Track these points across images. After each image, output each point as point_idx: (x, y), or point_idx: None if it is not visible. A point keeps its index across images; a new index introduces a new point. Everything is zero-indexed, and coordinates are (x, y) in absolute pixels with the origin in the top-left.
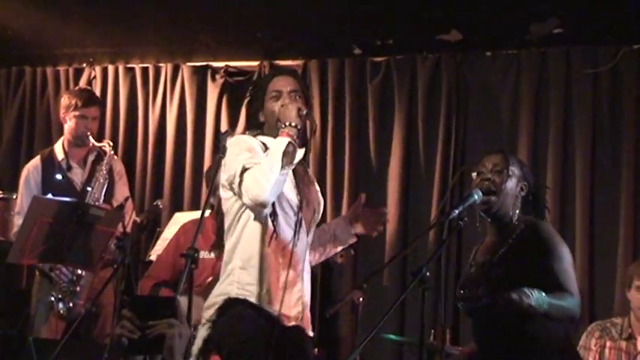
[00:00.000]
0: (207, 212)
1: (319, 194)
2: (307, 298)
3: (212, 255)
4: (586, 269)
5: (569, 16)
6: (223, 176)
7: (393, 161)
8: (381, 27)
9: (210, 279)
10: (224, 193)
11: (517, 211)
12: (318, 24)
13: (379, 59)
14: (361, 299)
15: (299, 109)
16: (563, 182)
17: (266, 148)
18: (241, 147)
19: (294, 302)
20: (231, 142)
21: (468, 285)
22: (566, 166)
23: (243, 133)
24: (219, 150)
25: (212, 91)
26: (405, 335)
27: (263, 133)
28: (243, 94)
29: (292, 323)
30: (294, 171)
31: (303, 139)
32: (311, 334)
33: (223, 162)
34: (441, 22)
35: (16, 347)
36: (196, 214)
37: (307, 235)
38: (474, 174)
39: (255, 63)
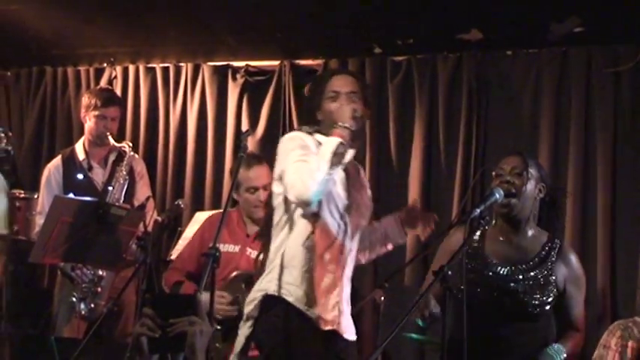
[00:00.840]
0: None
1: (369, 199)
2: (345, 304)
3: (237, 249)
4: (608, 268)
5: (590, 15)
6: (276, 170)
7: (413, 161)
8: (401, 26)
9: (234, 273)
10: (276, 188)
11: (535, 213)
12: (339, 23)
13: (400, 58)
14: (382, 298)
15: (354, 111)
16: (584, 181)
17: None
18: (295, 143)
19: (331, 306)
20: (286, 138)
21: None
22: (588, 165)
23: (299, 128)
24: (240, 149)
25: (233, 91)
26: (427, 334)
27: (320, 132)
28: (264, 93)
29: (328, 327)
30: (345, 173)
31: (358, 141)
32: (352, 337)
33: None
34: (462, 22)
35: (38, 347)
36: (218, 213)
37: (352, 241)
38: (493, 174)
39: (276, 62)
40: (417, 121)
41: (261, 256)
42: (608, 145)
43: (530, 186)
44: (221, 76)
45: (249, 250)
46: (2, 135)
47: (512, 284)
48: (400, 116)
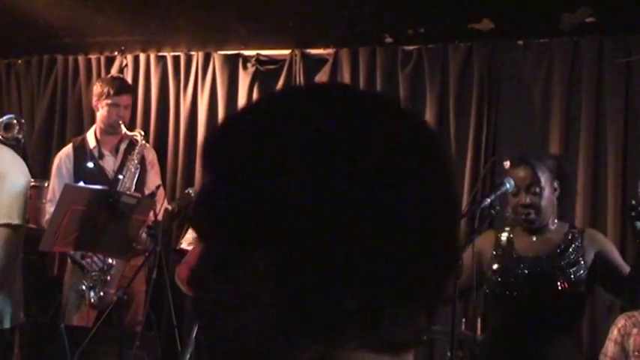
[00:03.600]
0: None
1: None
2: None
3: None
4: None
5: (601, 5)
6: None
7: None
8: (412, 16)
9: None
10: None
11: (554, 212)
12: (350, 12)
13: (410, 48)
14: None
15: None
16: (594, 172)
17: None
18: None
19: None
20: None
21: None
22: (598, 155)
23: None
24: None
25: (243, 80)
26: (437, 325)
27: None
28: (275, 82)
29: None
30: None
31: None
32: None
33: None
34: (473, 11)
35: (48, 335)
36: None
37: None
38: (509, 189)
39: (287, 52)
40: (427, 111)
41: None
42: (619, 134)
43: (546, 195)
44: (232, 64)
45: None
46: (15, 122)
47: (545, 276)
48: (411, 105)
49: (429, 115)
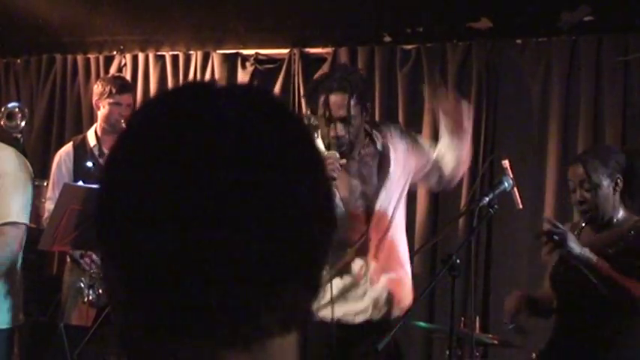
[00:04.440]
0: None
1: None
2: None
3: None
4: None
5: (600, 4)
6: None
7: None
8: (411, 14)
9: None
10: None
11: (620, 209)
12: (348, 11)
13: (409, 47)
14: None
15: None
16: None
17: None
18: None
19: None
20: None
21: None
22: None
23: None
24: None
25: (242, 79)
26: (435, 323)
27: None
28: (273, 81)
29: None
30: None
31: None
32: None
33: None
34: (472, 10)
35: (48, 334)
36: None
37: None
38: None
39: (285, 51)
40: (426, 110)
41: None
42: (617, 132)
43: (602, 192)
44: (230, 64)
45: None
46: (17, 110)
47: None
48: (409, 104)
49: (428, 114)
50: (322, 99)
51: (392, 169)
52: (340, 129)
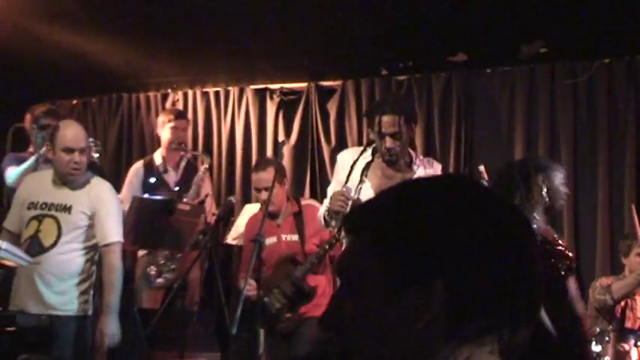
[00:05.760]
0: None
1: None
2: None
3: (274, 240)
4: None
5: (552, 38)
6: None
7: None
8: (402, 52)
9: (279, 258)
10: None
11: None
12: (353, 50)
13: (402, 78)
14: None
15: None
16: None
17: None
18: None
19: None
20: None
21: None
22: (554, 158)
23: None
24: (277, 155)
25: (270, 108)
26: None
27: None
28: (295, 109)
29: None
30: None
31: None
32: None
33: None
34: (450, 47)
35: (123, 317)
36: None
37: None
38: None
39: (304, 84)
40: (417, 129)
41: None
42: (569, 140)
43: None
44: (261, 96)
45: (283, 236)
46: (92, 145)
47: None
48: None
49: (419, 131)
50: (377, 119)
51: None
52: (390, 142)
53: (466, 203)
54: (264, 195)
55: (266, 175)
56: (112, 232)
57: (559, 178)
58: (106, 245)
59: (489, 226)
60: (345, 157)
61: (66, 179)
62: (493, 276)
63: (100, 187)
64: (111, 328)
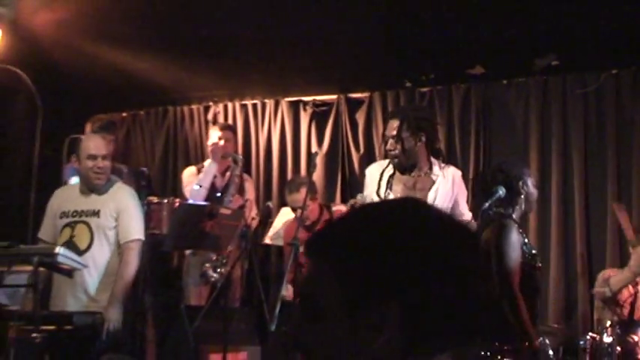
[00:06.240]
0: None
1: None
2: None
3: None
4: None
5: (564, 51)
6: None
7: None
8: (424, 65)
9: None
10: None
11: None
12: (379, 66)
13: (424, 90)
14: None
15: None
16: (565, 180)
17: None
18: None
19: None
20: None
21: None
22: (567, 167)
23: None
24: (310, 166)
25: (304, 119)
26: None
27: None
28: (327, 120)
29: None
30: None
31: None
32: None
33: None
34: (469, 60)
35: (171, 314)
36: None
37: None
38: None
39: (334, 96)
40: (440, 136)
41: None
42: (580, 144)
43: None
44: (295, 108)
45: None
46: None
47: None
48: None
49: (441, 139)
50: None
51: (432, 194)
52: (390, 144)
53: (413, 227)
54: (299, 213)
55: (299, 196)
56: (133, 230)
57: (532, 181)
58: (127, 242)
59: (435, 249)
60: (372, 172)
61: (92, 185)
62: (441, 297)
63: (122, 191)
64: (114, 316)
